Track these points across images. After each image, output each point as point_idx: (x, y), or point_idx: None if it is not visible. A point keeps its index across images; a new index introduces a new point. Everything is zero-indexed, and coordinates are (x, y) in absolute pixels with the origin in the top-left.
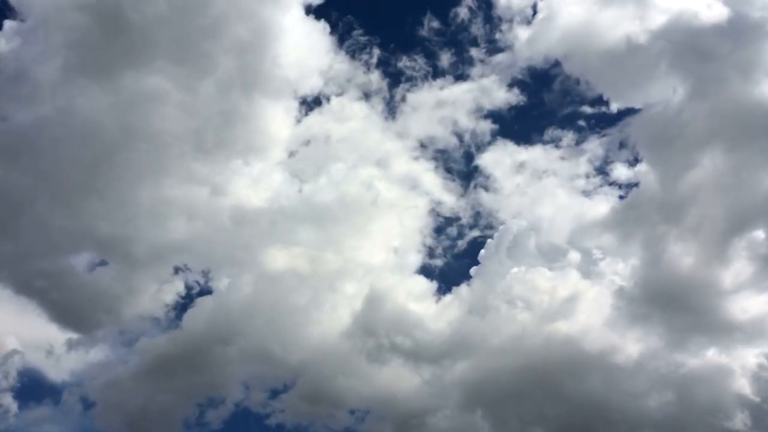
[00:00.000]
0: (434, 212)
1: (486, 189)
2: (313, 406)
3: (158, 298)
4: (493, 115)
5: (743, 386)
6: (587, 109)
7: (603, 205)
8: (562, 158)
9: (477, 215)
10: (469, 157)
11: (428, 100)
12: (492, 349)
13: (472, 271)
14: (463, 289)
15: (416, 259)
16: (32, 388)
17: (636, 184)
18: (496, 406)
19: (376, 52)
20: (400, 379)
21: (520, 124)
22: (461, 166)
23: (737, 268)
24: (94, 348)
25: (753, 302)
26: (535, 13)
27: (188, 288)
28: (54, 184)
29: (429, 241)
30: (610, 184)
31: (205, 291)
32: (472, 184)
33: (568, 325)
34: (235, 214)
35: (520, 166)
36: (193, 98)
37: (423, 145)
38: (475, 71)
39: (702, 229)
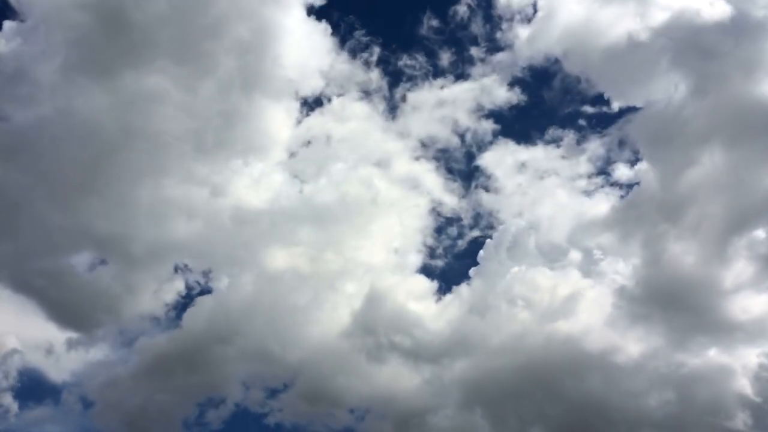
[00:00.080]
0: (435, 212)
1: (487, 188)
2: (312, 405)
3: (158, 298)
4: (494, 115)
5: (744, 386)
6: (588, 108)
7: (603, 204)
8: (563, 158)
9: (478, 215)
10: (469, 156)
11: (429, 100)
12: (492, 348)
13: (473, 270)
14: (463, 289)
15: (417, 258)
16: (32, 387)
17: (637, 183)
18: (495, 406)
19: (377, 52)
20: (400, 378)
21: (521, 124)
22: (462, 166)
23: (739, 268)
24: (94, 347)
25: (754, 302)
26: (535, 11)
27: (188, 288)
28: (54, 183)
29: (430, 241)
30: (612, 184)
31: (206, 291)
32: (472, 184)
33: (568, 325)
34: (235, 214)
35: (522, 166)
36: (194, 98)
37: (424, 145)
38: (475, 70)
39: (703, 228)
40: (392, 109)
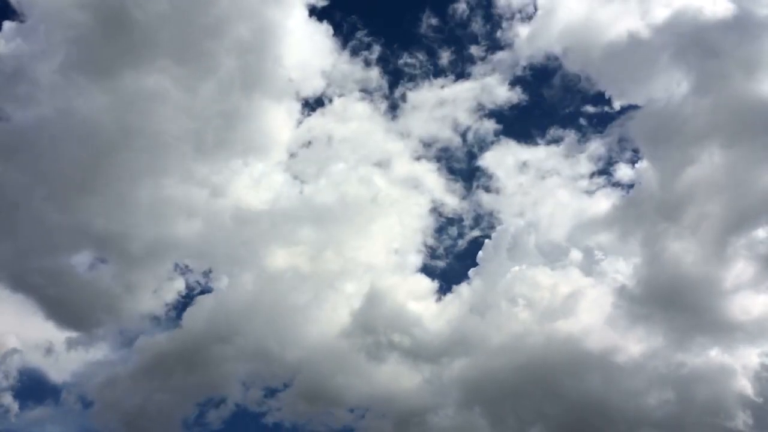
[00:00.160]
0: (436, 212)
1: (488, 188)
2: (312, 404)
3: (158, 297)
4: (496, 114)
5: (745, 386)
6: (590, 107)
7: (604, 203)
8: (565, 157)
9: (479, 214)
10: (471, 156)
11: (430, 99)
12: (492, 347)
13: (473, 270)
14: (463, 289)
15: (417, 258)
16: (32, 387)
17: (638, 183)
18: (495, 405)
19: (378, 52)
20: (400, 378)
21: (522, 123)
22: (463, 166)
23: (740, 267)
24: (94, 347)
25: (755, 302)
26: (535, 9)
27: (189, 287)
28: (54, 183)
29: (430, 241)
30: (614, 184)
31: (206, 290)
32: (474, 184)
33: (568, 324)
34: (236, 214)
35: (523, 166)
36: (195, 98)
37: (425, 145)
38: (476, 69)
39: (704, 228)
40: (393, 109)
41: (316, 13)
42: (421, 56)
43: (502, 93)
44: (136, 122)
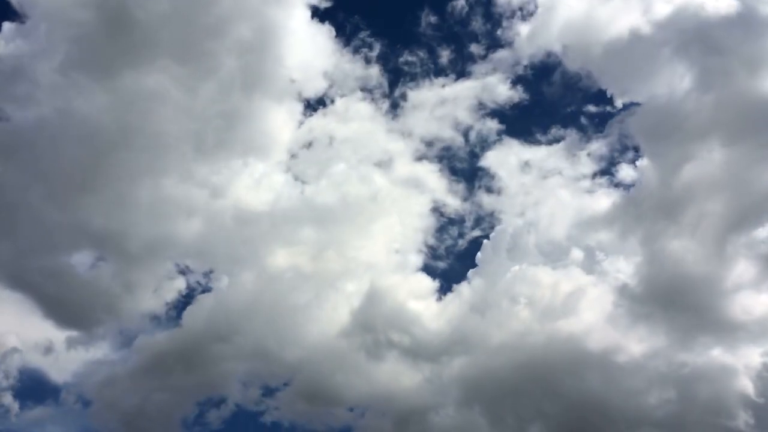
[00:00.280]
0: (437, 211)
1: (489, 188)
2: (311, 403)
3: (158, 297)
4: (497, 114)
5: (747, 386)
6: (592, 106)
7: (604, 201)
8: (566, 156)
9: (480, 214)
10: (472, 155)
11: (432, 99)
12: (492, 346)
13: (473, 269)
14: (464, 288)
15: (419, 258)
16: (32, 387)
17: (639, 180)
18: (495, 404)
19: (379, 51)
20: (400, 377)
21: (523, 123)
22: (465, 165)
23: (742, 267)
24: (94, 346)
25: (758, 301)
26: (535, 7)
27: (189, 287)
28: (54, 182)
29: (431, 241)
30: (616, 185)
31: (206, 290)
32: (475, 184)
33: (568, 323)
34: (237, 215)
35: (525, 165)
36: (196, 98)
37: (426, 145)
38: (476, 68)
39: (706, 227)
40: (394, 108)
41: (318, 14)
42: (422, 54)
43: (504, 92)
44: (136, 122)
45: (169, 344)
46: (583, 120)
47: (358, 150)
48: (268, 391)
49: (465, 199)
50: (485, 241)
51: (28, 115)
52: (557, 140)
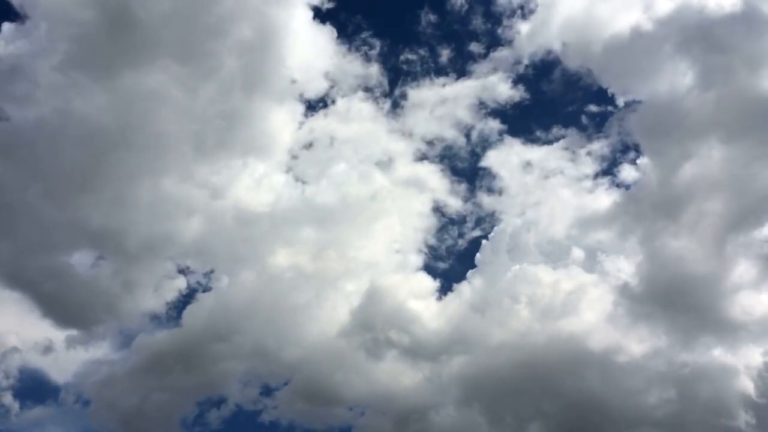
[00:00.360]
0: (438, 211)
1: (491, 188)
2: (311, 402)
3: (159, 296)
4: (498, 113)
5: (747, 386)
6: (593, 104)
7: (605, 200)
8: (567, 156)
9: (481, 214)
10: (473, 155)
11: (432, 98)
12: (492, 345)
13: (472, 269)
14: (464, 287)
15: (419, 258)
16: (32, 386)
17: (639, 179)
18: (495, 403)
19: (381, 52)
20: (400, 376)
21: (525, 122)
22: (466, 165)
23: (743, 266)
24: (94, 346)
25: (759, 301)
26: (536, 5)
27: (190, 287)
28: (54, 182)
29: (433, 240)
30: (618, 185)
31: (207, 290)
32: (476, 183)
33: (569, 323)
34: (237, 215)
35: (526, 165)
36: (196, 99)
37: (427, 144)
38: (477, 67)
39: (707, 226)
40: (395, 108)
41: (319, 14)
42: (423, 52)
43: (504, 91)
44: (136, 122)
45: (168, 344)
46: (585, 119)
47: (358, 150)
48: (267, 391)
49: (466, 199)
50: (484, 241)
51: (27, 114)
52: (558, 140)
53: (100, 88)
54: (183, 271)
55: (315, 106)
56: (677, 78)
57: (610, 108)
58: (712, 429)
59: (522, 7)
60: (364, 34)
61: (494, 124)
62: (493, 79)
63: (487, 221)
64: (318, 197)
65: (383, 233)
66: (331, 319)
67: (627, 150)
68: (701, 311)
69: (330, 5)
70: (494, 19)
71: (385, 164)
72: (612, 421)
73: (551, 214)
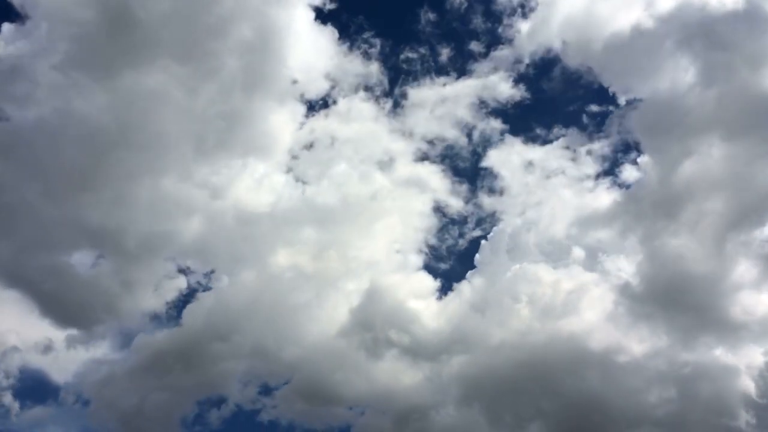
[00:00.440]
0: (439, 211)
1: (492, 188)
2: (311, 402)
3: (159, 296)
4: (499, 112)
5: (748, 385)
6: (594, 103)
7: (605, 199)
8: (569, 155)
9: (482, 214)
10: (474, 155)
11: (433, 98)
12: (492, 345)
13: (476, 266)
14: (465, 287)
15: (420, 257)
16: (31, 386)
17: (640, 177)
18: (495, 402)
19: (381, 51)
20: (401, 375)
21: (526, 122)
22: (466, 164)
23: (745, 266)
24: (94, 345)
25: (760, 300)
26: (536, 4)
27: (190, 287)
28: (54, 182)
29: (434, 240)
30: (620, 185)
31: (207, 290)
32: (477, 183)
33: (569, 322)
34: (238, 215)
35: (527, 165)
36: (197, 99)
37: (428, 144)
38: (478, 66)
39: (708, 225)
40: (396, 108)
41: (321, 15)
42: (424, 50)
43: (505, 90)
44: (136, 122)
45: (168, 343)
46: (586, 118)
47: (359, 150)
48: (267, 390)
49: (467, 200)
50: (483, 241)
51: (27, 114)
52: (560, 139)
53: (100, 88)
54: (183, 271)
55: (316, 106)
56: (678, 76)
57: (611, 107)
58: (713, 429)
59: (522, 6)
60: (366, 35)
61: (495, 124)
62: (494, 78)
63: (487, 221)
64: (318, 197)
65: (384, 233)
66: (331, 319)
67: (628, 149)
68: (702, 311)
69: (332, 6)
70: (494, 17)
71: (386, 164)
72: (612, 420)
73: (551, 214)
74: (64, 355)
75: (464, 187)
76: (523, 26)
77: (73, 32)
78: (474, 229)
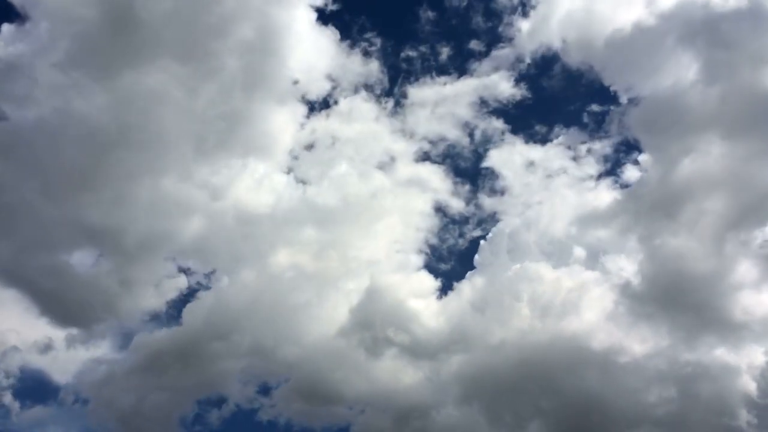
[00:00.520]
0: (440, 211)
1: (493, 187)
2: (311, 401)
3: (160, 296)
4: (500, 112)
5: (749, 385)
6: (595, 102)
7: (606, 199)
8: (570, 155)
9: (482, 214)
10: (475, 154)
11: (434, 97)
12: (492, 344)
13: (476, 266)
14: (465, 286)
15: (421, 257)
16: (31, 386)
17: (641, 176)
18: (495, 402)
19: (381, 50)
20: (400, 374)
21: (526, 121)
22: (468, 165)
23: (746, 265)
24: (94, 345)
25: (761, 300)
26: (536, 2)
27: (190, 287)
28: (53, 181)
29: (435, 240)
30: (622, 185)
31: (207, 289)
32: (478, 182)
33: (569, 321)
34: (238, 215)
35: (529, 165)
36: (197, 99)
37: (429, 143)
38: (478, 66)
39: (710, 224)
40: (396, 108)
41: (323, 15)
42: (425, 48)
43: (506, 90)
44: (136, 122)
45: (168, 343)
46: (587, 117)
47: (360, 150)
48: (265, 389)
49: (468, 200)
50: (482, 241)
51: (27, 114)
52: (561, 138)
53: (100, 87)
54: (184, 271)
55: (317, 107)
56: (680, 73)
57: (612, 106)
58: (714, 429)
59: (522, 4)
60: (370, 35)
61: (497, 123)
62: (495, 77)
63: (489, 221)
64: (319, 198)
65: (384, 233)
66: (331, 319)
67: (629, 147)
68: (703, 310)
69: (333, 7)
70: (494, 16)
71: (386, 164)
72: (612, 420)
73: (552, 213)
74: (63, 354)
75: (465, 188)
76: (524, 25)
77: (73, 31)
78: (475, 229)
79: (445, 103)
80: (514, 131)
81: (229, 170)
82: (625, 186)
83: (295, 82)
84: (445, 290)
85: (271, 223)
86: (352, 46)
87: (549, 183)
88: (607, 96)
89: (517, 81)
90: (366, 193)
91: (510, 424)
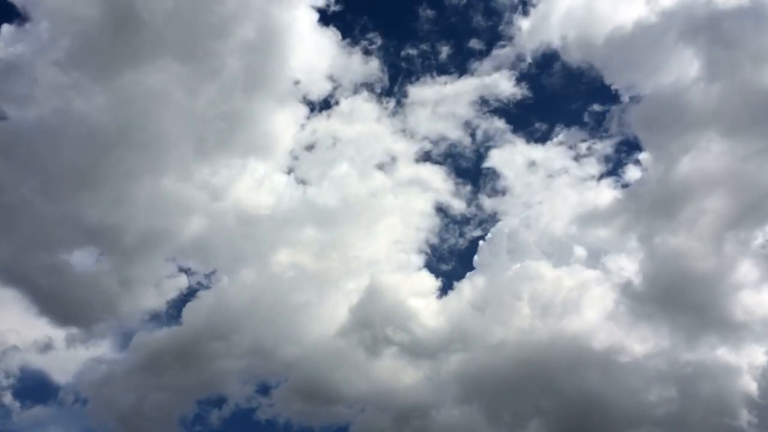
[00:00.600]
0: (441, 211)
1: (494, 186)
2: (310, 401)
3: (160, 295)
4: (500, 111)
5: (750, 385)
6: (596, 101)
7: (606, 198)
8: (571, 154)
9: (483, 215)
10: (476, 154)
11: (434, 97)
12: (492, 344)
13: (475, 266)
14: (465, 286)
15: (421, 257)
16: (31, 386)
17: (641, 175)
18: (495, 401)
19: (382, 49)
20: (400, 374)
21: (527, 120)
22: (468, 164)
23: (747, 265)
24: (94, 344)
25: (762, 300)
26: (536, 0)
27: (191, 287)
28: (52, 181)
29: (435, 240)
30: (623, 185)
31: (207, 289)
32: (479, 182)
33: (570, 321)
34: (239, 215)
35: (530, 164)
36: (197, 99)
37: (430, 143)
38: (479, 65)
39: (710, 223)
40: (397, 108)
41: (324, 15)
42: (425, 47)
43: (507, 89)
44: (137, 122)
45: (167, 342)
46: (588, 116)
47: (361, 151)
48: (264, 389)
49: (469, 201)
50: (481, 241)
51: (27, 114)
52: (562, 138)
53: (100, 87)
54: (184, 271)
55: (318, 107)
56: (681, 71)
57: (613, 105)
58: (714, 428)
59: (523, 3)
60: (371, 35)
61: (498, 123)
62: (496, 76)
63: (489, 221)
64: (319, 198)
65: (385, 233)
66: (331, 318)
67: (630, 146)
68: (704, 310)
69: (336, 8)
70: (494, 15)
71: (387, 164)
72: (613, 419)
73: (552, 212)
74: (63, 354)
75: (466, 188)
76: (524, 23)
77: (73, 31)
78: (475, 229)
79: (445, 102)
80: (516, 131)
81: (230, 170)
82: (625, 185)
83: (296, 83)
84: (445, 290)
85: (271, 223)
86: (353, 45)
87: (550, 183)
88: (608, 94)
89: (518, 80)
90: (366, 193)
91: (510, 424)
